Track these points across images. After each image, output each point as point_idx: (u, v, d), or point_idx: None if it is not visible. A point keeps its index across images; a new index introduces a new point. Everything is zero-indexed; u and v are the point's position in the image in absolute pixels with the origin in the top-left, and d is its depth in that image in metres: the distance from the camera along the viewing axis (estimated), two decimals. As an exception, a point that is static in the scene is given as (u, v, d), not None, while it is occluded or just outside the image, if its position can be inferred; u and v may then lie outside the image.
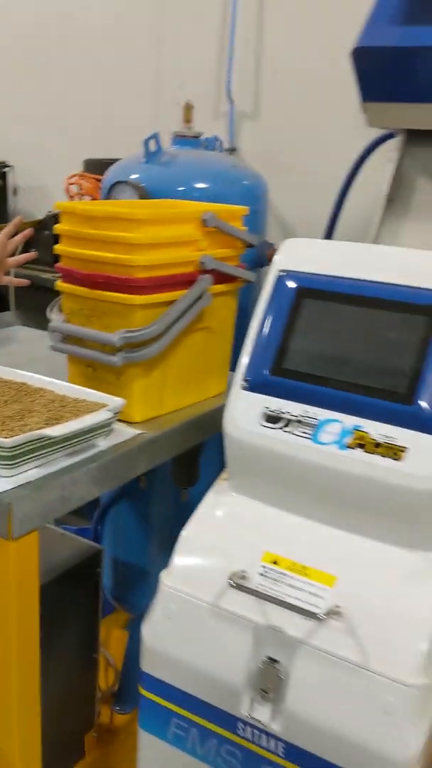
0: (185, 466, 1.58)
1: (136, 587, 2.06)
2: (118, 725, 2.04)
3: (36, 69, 2.94)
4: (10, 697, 1.09)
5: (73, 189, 2.37)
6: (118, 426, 1.25)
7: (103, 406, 1.19)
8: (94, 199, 2.33)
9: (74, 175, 2.41)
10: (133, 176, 1.73)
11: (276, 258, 1.06)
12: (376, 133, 1.55)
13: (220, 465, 1.17)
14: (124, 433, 1.25)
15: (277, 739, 0.93)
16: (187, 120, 1.89)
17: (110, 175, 1.80)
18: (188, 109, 1.88)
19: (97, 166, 2.39)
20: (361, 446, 0.93)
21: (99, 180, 2.17)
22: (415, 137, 1.35)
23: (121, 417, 1.24)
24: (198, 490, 1.17)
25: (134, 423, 1.28)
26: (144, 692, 1.05)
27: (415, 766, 0.84)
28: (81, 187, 2.34)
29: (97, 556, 1.51)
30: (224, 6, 2.48)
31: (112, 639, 2.32)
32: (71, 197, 2.37)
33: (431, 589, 0.90)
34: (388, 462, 0.91)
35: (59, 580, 1.39)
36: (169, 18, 2.61)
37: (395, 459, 0.91)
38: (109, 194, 1.72)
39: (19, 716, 1.11)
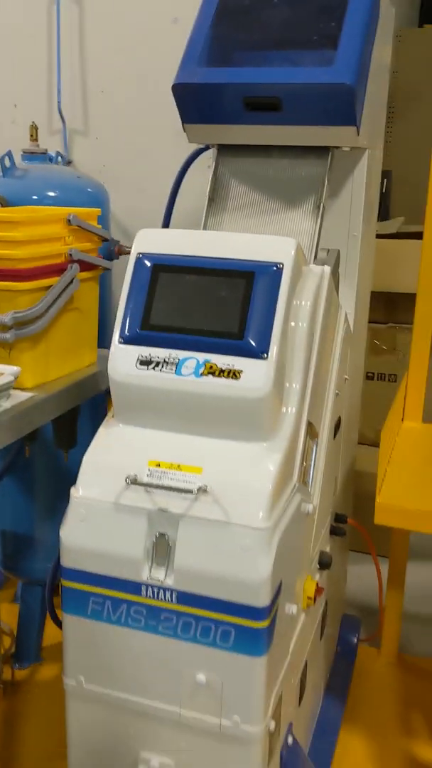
0: (66, 428, 1.88)
1: (26, 554, 2.32)
2: (19, 679, 2.30)
3: None
4: None
5: None
6: (14, 392, 1.54)
7: (1, 374, 1.48)
8: None
9: None
10: (-9, 188, 2.00)
11: (134, 245, 1.42)
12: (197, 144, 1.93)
13: (93, 431, 1.47)
14: (20, 396, 1.54)
15: (171, 590, 1.28)
16: (33, 138, 2.19)
17: (-30, 188, 2.05)
18: (34, 129, 2.18)
19: None
20: (212, 373, 1.30)
21: None
22: (225, 150, 1.75)
23: (15, 385, 1.53)
24: (76, 457, 1.43)
25: (26, 388, 1.58)
26: (66, 583, 1.36)
27: (267, 583, 1.23)
28: None
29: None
30: (50, 31, 2.79)
31: (3, 611, 2.56)
32: None
33: (265, 467, 1.29)
34: (231, 381, 1.29)
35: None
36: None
37: (235, 379, 1.29)
38: (-28, 204, 1.98)
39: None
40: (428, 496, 1.75)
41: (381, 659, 2.44)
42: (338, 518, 1.93)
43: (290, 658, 1.49)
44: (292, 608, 1.41)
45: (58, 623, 1.66)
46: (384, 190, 3.43)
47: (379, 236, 2.40)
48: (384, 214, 3.41)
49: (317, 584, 1.57)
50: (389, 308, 2.91)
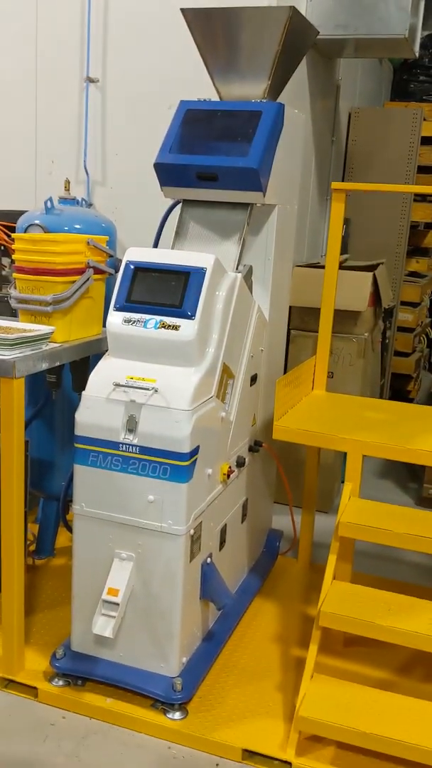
0: (80, 375, 2.89)
1: (47, 475, 3.30)
2: (38, 565, 3.28)
3: None
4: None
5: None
6: (50, 343, 2.57)
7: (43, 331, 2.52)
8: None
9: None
10: (37, 221, 3.06)
11: (125, 256, 2.46)
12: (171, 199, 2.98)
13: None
14: (54, 345, 2.57)
15: (136, 446, 2.29)
16: (66, 189, 3.26)
17: (24, 220, 3.11)
18: (67, 183, 3.25)
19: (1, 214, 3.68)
20: (164, 327, 2.33)
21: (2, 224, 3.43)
22: (187, 203, 2.80)
23: (50, 340, 2.56)
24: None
25: (57, 342, 2.61)
26: (77, 445, 2.37)
27: (187, 438, 2.23)
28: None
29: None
30: (80, 110, 3.89)
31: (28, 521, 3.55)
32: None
33: (191, 379, 2.31)
34: (174, 332, 2.32)
35: None
36: (41, 112, 3.97)
37: (176, 330, 2.32)
38: (25, 230, 3.03)
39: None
40: (306, 425, 2.76)
41: (298, 565, 3.41)
42: (256, 443, 2.94)
43: (209, 509, 2.48)
44: (208, 470, 2.42)
45: (69, 528, 2.62)
46: (344, 233, 4.47)
47: (321, 266, 3.37)
48: (343, 251, 4.33)
49: (229, 467, 2.57)
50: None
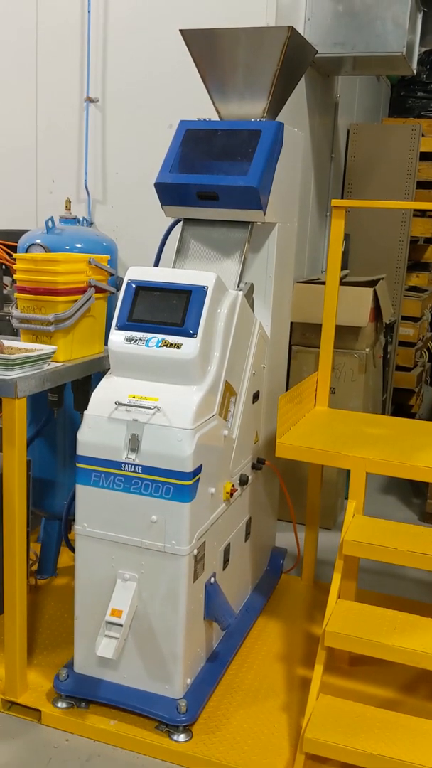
0: (82, 394, 2.89)
1: (49, 495, 3.29)
2: (40, 585, 3.26)
3: None
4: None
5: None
6: (52, 363, 2.57)
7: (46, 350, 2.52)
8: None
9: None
10: (38, 241, 3.06)
11: (126, 275, 2.46)
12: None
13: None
14: (55, 365, 2.57)
15: (138, 465, 2.28)
16: (68, 208, 3.27)
17: (25, 239, 3.12)
18: (68, 202, 3.27)
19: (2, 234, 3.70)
20: (165, 345, 2.33)
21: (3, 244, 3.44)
22: (188, 221, 2.81)
23: (52, 359, 2.56)
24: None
25: (58, 361, 2.60)
26: (79, 465, 2.36)
27: (190, 458, 2.22)
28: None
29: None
30: (80, 130, 3.91)
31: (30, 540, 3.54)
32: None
33: (193, 398, 2.30)
34: (175, 350, 2.32)
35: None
36: (41, 131, 4.00)
37: (178, 348, 2.31)
38: (27, 250, 3.04)
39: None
40: (308, 442, 2.75)
41: (302, 583, 3.39)
42: (259, 460, 2.93)
43: (212, 528, 2.47)
44: (211, 489, 2.41)
45: (71, 547, 2.61)
46: (344, 249, 4.49)
47: (322, 282, 3.39)
48: (343, 267, 4.34)
49: (232, 485, 2.56)
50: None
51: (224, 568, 2.67)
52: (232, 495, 2.58)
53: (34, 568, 3.34)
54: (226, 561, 2.68)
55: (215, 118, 2.90)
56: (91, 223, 3.84)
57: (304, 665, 2.74)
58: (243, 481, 2.72)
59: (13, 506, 2.36)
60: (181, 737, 2.32)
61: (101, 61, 3.83)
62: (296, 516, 3.37)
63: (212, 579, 2.51)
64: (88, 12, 3.75)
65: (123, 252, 3.55)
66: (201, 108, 2.95)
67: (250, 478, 2.80)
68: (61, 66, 3.89)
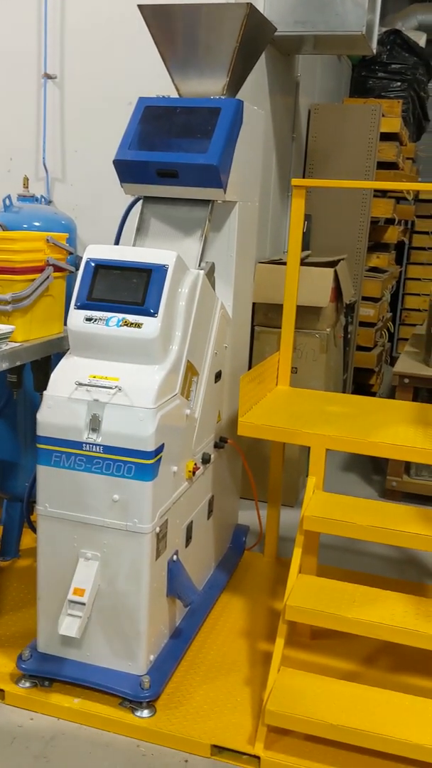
0: (42, 375, 2.87)
1: (10, 476, 3.26)
2: (3, 567, 3.25)
3: None
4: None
5: None
6: (10, 343, 2.54)
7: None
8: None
9: None
10: (-3, 219, 3.02)
11: (85, 253, 2.44)
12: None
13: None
14: (13, 345, 2.54)
15: (100, 445, 2.28)
16: (25, 186, 3.22)
17: (-18, 219, 3.07)
18: (26, 180, 3.21)
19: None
20: (126, 325, 2.32)
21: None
22: (148, 200, 2.79)
23: (10, 339, 2.53)
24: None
25: (17, 341, 2.57)
26: (40, 446, 2.34)
27: (152, 437, 2.23)
28: None
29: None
30: (38, 106, 3.84)
31: (-10, 522, 3.51)
32: None
33: (154, 377, 2.30)
34: (136, 330, 2.31)
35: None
36: None
37: (139, 328, 2.31)
38: (-16, 230, 2.99)
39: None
40: (270, 421, 2.78)
41: (264, 559, 3.43)
42: (221, 439, 2.94)
43: (174, 506, 2.47)
44: (173, 468, 2.42)
45: (34, 529, 2.59)
46: (305, 230, 4.49)
47: (284, 263, 3.37)
48: (305, 247, 4.35)
49: (194, 464, 2.57)
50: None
51: (187, 546, 2.68)
52: (194, 473, 2.59)
53: (-2, 549, 3.32)
54: (188, 538, 2.69)
55: (175, 95, 2.88)
56: (49, 202, 3.78)
57: (266, 640, 2.78)
58: (205, 460, 2.73)
59: (-27, 488, 2.34)
60: (145, 713, 2.35)
61: (59, 37, 3.76)
62: (258, 494, 3.40)
63: (174, 556, 2.53)
64: (45, -15, 3.68)
65: (83, 231, 3.51)
66: (161, 85, 2.92)
67: (212, 456, 2.81)
68: (18, 41, 3.80)
